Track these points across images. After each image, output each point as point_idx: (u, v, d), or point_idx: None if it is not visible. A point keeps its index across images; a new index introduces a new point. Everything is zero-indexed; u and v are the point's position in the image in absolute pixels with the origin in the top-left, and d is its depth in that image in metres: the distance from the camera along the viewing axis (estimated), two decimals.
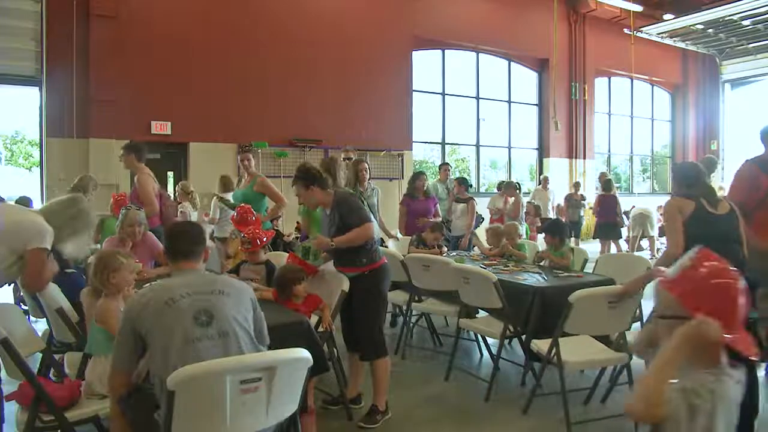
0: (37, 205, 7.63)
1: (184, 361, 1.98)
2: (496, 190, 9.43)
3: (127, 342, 2.11)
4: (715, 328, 1.42)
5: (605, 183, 10.03)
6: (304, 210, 4.83)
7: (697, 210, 2.97)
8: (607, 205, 9.66)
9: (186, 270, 2.30)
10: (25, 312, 3.96)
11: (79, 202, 3.03)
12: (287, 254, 4.26)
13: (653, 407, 1.39)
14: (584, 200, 11.07)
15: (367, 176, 5.76)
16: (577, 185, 11.63)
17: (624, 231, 10.32)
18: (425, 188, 6.57)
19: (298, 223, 6.61)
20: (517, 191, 8.72)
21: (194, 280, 2.23)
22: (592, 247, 9.43)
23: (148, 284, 3.44)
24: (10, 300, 5.39)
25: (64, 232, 2.84)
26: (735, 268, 2.79)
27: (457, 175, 11.65)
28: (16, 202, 6.36)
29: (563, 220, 9.59)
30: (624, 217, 10.17)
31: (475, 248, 6.58)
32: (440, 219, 6.46)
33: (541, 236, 9.62)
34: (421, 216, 6.36)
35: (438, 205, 6.68)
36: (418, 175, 6.70)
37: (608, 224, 9.68)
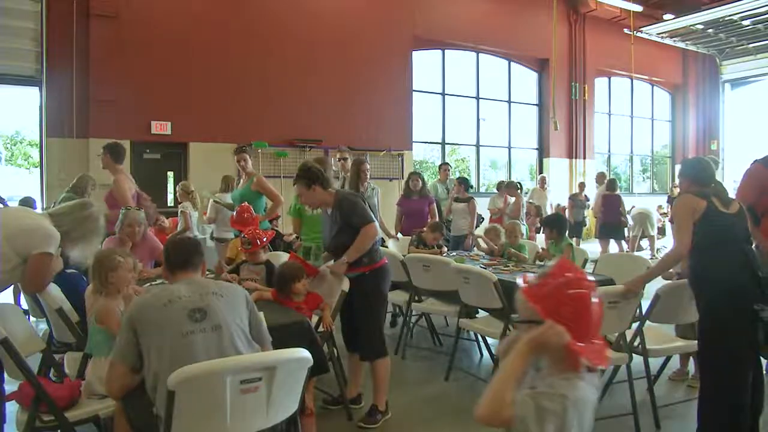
0: (40, 205, 7.65)
1: (178, 353, 2.04)
2: (496, 190, 9.44)
3: (128, 340, 2.15)
4: (560, 334, 1.44)
5: (610, 183, 10.07)
6: (295, 210, 4.84)
7: (709, 209, 2.90)
8: (611, 204, 9.68)
9: (184, 279, 2.36)
10: (25, 312, 3.96)
11: (88, 206, 3.03)
12: (287, 254, 4.26)
13: (499, 411, 1.39)
14: (588, 200, 11.07)
15: (368, 176, 5.77)
16: (581, 185, 11.64)
17: (625, 231, 10.34)
18: (419, 188, 6.56)
19: None
20: (519, 191, 8.73)
21: (191, 285, 2.30)
22: (593, 248, 9.44)
23: (148, 284, 3.46)
24: (10, 300, 5.39)
25: (72, 236, 2.84)
26: (748, 268, 2.78)
27: (457, 175, 11.65)
28: (20, 202, 6.37)
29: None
30: (628, 216, 10.20)
31: (474, 248, 6.57)
32: (436, 219, 6.43)
33: (540, 236, 9.64)
34: (416, 215, 6.39)
35: (434, 204, 6.64)
36: (410, 176, 6.74)
37: (612, 224, 9.70)
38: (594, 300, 1.52)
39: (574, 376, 1.47)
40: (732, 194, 3.41)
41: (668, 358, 3.96)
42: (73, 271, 3.57)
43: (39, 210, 7.11)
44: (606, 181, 10.28)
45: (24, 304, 4.54)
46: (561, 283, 1.52)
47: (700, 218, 2.89)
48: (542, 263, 4.89)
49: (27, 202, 6.52)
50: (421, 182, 6.59)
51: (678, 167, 16.74)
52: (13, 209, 3.67)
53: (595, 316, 1.52)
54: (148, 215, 5.08)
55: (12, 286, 4.45)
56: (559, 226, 4.88)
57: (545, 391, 1.43)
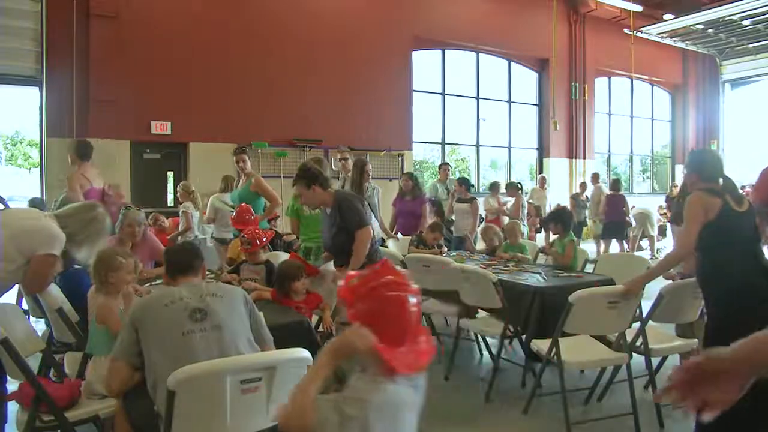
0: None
1: (178, 353, 2.07)
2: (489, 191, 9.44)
3: (130, 339, 2.18)
4: (363, 338, 1.38)
5: (613, 183, 10.14)
6: (292, 211, 4.85)
7: (725, 208, 2.80)
8: (615, 204, 9.69)
9: (185, 283, 2.39)
10: (25, 312, 3.96)
11: (94, 208, 3.03)
12: (287, 254, 4.26)
13: (299, 418, 1.34)
14: (588, 201, 11.09)
15: (370, 176, 5.80)
16: (583, 185, 11.65)
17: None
18: (410, 189, 6.54)
19: None
20: (519, 191, 8.74)
21: (192, 288, 2.33)
22: (592, 248, 9.43)
23: (148, 284, 3.46)
24: (11, 300, 5.38)
25: (77, 237, 2.85)
26: (757, 267, 2.74)
27: (458, 175, 11.65)
28: (29, 203, 6.36)
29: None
30: (630, 217, 10.23)
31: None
32: (427, 220, 6.40)
33: (540, 236, 9.65)
34: (407, 215, 6.42)
35: (425, 205, 6.59)
36: (402, 176, 6.80)
37: (617, 223, 9.71)
38: (411, 302, 1.46)
39: (384, 380, 1.39)
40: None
41: (665, 358, 3.96)
42: (79, 267, 3.56)
43: (47, 211, 7.10)
44: (610, 181, 10.34)
45: (24, 304, 4.54)
46: (373, 286, 1.45)
47: (715, 217, 2.81)
48: (543, 257, 4.89)
49: (35, 203, 6.49)
50: (412, 183, 6.55)
51: (678, 167, 16.57)
52: (18, 210, 3.67)
53: (412, 319, 1.45)
54: (111, 213, 4.97)
55: (15, 286, 4.45)
56: (564, 220, 4.82)
57: (348, 396, 1.38)
